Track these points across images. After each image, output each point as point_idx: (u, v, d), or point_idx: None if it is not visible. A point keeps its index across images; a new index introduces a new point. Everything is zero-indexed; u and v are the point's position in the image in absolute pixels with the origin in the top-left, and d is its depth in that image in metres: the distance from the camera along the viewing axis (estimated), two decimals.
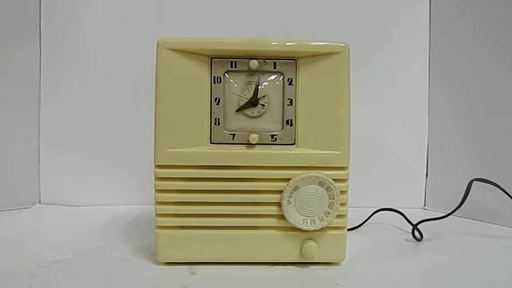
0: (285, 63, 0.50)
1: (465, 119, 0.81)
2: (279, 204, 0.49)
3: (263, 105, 0.50)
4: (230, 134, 0.50)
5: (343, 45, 0.49)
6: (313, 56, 0.49)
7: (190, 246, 0.49)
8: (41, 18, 0.85)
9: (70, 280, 0.46)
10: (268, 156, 0.49)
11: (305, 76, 0.50)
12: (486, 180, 0.67)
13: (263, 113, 0.50)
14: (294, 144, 0.50)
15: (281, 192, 0.49)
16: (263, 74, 0.50)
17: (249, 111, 0.50)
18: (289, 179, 0.49)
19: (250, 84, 0.50)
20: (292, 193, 0.49)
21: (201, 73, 0.49)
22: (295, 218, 0.49)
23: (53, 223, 0.73)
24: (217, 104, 0.50)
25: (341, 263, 0.52)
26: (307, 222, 0.49)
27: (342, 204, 0.50)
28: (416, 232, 0.63)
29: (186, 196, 0.49)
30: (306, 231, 0.49)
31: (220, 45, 0.49)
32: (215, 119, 0.50)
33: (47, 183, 0.87)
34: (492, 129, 0.77)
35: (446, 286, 0.47)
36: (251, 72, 0.50)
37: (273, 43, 0.49)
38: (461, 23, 0.82)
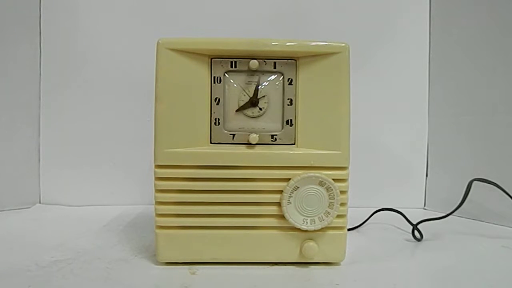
0: (285, 63, 0.50)
1: (465, 119, 0.81)
2: (279, 204, 0.49)
3: (260, 108, 0.50)
4: (230, 134, 0.50)
5: (343, 45, 0.49)
6: (313, 56, 0.49)
7: (190, 246, 0.49)
8: (41, 18, 0.85)
9: (70, 280, 0.45)
10: (268, 156, 0.49)
11: (305, 76, 0.50)
12: (486, 180, 0.67)
13: (263, 113, 0.50)
14: (294, 144, 0.50)
15: (281, 192, 0.49)
16: (263, 74, 0.50)
17: (249, 111, 0.50)
18: (289, 179, 0.49)
19: (250, 84, 0.50)
20: (292, 193, 0.49)
21: (201, 73, 0.49)
22: (295, 218, 0.49)
23: (53, 223, 0.73)
24: (217, 104, 0.50)
25: (341, 263, 0.52)
26: (307, 222, 0.49)
27: (342, 204, 0.50)
28: (416, 232, 0.63)
29: (186, 196, 0.49)
30: (306, 231, 0.49)
31: (220, 45, 0.49)
32: (215, 119, 0.50)
33: (47, 183, 0.87)
34: (492, 129, 0.77)
35: (446, 286, 0.47)
36: (251, 72, 0.50)
37: (273, 43, 0.49)
38: (461, 23, 0.82)
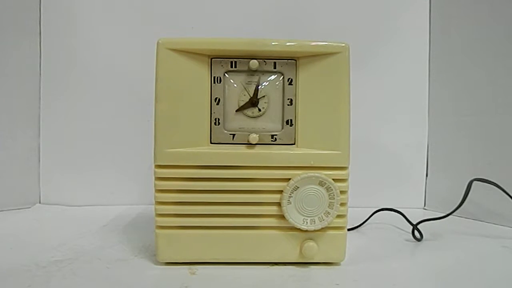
0: (285, 63, 0.50)
1: (465, 119, 0.81)
2: (279, 204, 0.49)
3: (260, 109, 0.50)
4: (230, 134, 0.50)
5: (343, 45, 0.49)
6: (313, 56, 0.49)
7: (190, 246, 0.49)
8: (41, 19, 0.85)
9: (70, 280, 0.45)
10: (268, 156, 0.49)
11: (305, 76, 0.50)
12: (486, 180, 0.67)
13: (263, 113, 0.50)
14: (294, 144, 0.50)
15: (281, 192, 0.49)
16: (263, 74, 0.50)
17: (249, 111, 0.50)
18: (289, 179, 0.49)
19: (250, 84, 0.50)
20: (292, 193, 0.49)
21: (201, 73, 0.49)
22: (295, 218, 0.49)
23: (53, 223, 0.73)
24: (217, 104, 0.50)
25: (341, 263, 0.52)
26: (307, 222, 0.49)
27: (342, 204, 0.50)
28: (416, 232, 0.63)
29: (186, 196, 0.49)
30: (306, 231, 0.49)
31: (220, 45, 0.49)
32: (215, 119, 0.50)
33: (47, 183, 0.87)
34: (492, 129, 0.77)
35: (446, 286, 0.47)
36: (251, 72, 0.50)
37: (273, 43, 0.49)
38: (461, 23, 0.82)
